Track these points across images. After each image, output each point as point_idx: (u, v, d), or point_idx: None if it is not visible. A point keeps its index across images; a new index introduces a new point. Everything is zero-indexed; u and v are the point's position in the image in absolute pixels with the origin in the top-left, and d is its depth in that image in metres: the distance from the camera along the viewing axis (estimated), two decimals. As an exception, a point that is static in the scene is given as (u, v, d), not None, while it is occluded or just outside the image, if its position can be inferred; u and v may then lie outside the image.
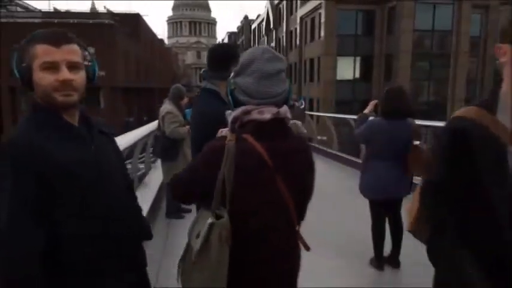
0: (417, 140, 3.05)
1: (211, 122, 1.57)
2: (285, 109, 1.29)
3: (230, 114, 1.30)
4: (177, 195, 1.42)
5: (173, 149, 4.14)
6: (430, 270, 3.44)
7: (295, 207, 1.31)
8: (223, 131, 1.36)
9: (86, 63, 1.17)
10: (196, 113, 2.07)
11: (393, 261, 3.30)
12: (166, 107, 4.26)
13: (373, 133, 3.15)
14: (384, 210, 3.29)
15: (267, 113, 1.23)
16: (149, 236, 1.37)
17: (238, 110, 1.27)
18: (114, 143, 1.34)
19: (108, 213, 1.12)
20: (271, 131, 1.25)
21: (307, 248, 1.41)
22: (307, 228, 4.49)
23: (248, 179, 1.21)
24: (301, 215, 1.40)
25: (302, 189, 1.38)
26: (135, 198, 1.38)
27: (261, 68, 1.25)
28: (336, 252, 3.70)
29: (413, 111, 3.14)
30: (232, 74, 1.32)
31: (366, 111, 3.39)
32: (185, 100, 4.74)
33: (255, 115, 1.24)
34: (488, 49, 25.91)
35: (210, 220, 1.18)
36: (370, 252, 3.37)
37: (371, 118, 3.27)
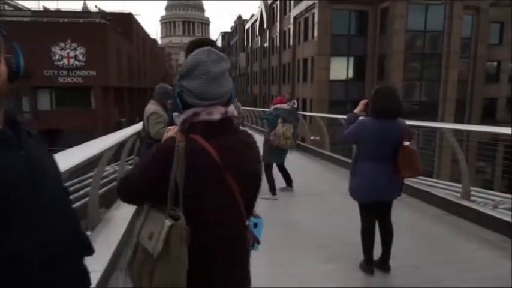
0: (408, 141, 2.98)
1: None
2: (232, 108, 1.35)
3: (179, 117, 1.33)
4: (125, 196, 1.42)
5: (159, 151, 4.01)
6: (419, 272, 3.41)
7: (245, 203, 1.35)
8: (171, 129, 1.40)
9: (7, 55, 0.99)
10: (171, 111, 2.01)
11: (383, 265, 3.23)
12: (151, 107, 4.14)
13: (361, 133, 3.07)
14: (373, 213, 3.21)
15: (216, 114, 1.29)
16: (90, 251, 1.24)
17: (188, 112, 1.30)
18: (46, 147, 1.17)
19: (44, 227, 0.98)
20: (220, 131, 1.30)
21: (258, 242, 1.47)
22: (300, 231, 4.46)
23: (199, 179, 1.24)
24: (250, 210, 1.44)
25: (252, 185, 1.42)
26: (73, 209, 1.25)
27: (208, 70, 1.29)
28: (329, 256, 3.64)
29: (404, 111, 3.06)
30: (177, 77, 1.34)
31: (356, 110, 3.31)
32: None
33: (204, 116, 1.28)
34: (479, 50, 26.15)
35: (168, 222, 1.19)
36: (362, 256, 3.30)
37: (361, 118, 3.20)
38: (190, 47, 1.84)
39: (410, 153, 2.92)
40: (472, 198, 5.60)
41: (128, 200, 1.48)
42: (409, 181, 5.63)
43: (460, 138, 9.11)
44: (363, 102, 3.27)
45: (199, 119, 1.28)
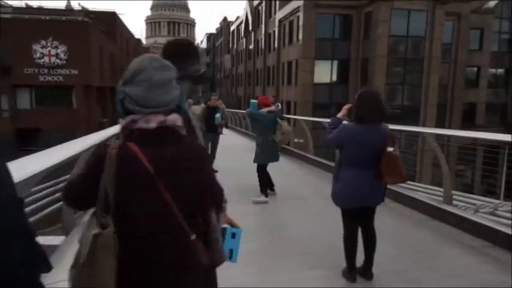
0: (391, 146, 2.94)
1: None
2: (173, 117, 1.32)
3: (120, 123, 1.33)
4: (68, 202, 1.47)
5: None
6: (402, 278, 3.36)
7: (185, 215, 1.29)
8: None
9: None
10: None
11: (366, 272, 3.18)
12: None
13: (345, 138, 3.01)
14: (356, 219, 3.16)
15: (153, 122, 1.27)
16: (47, 267, 1.12)
17: (127, 119, 1.30)
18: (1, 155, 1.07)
19: None
20: (157, 139, 1.28)
21: (213, 263, 1.44)
22: (282, 236, 4.38)
23: (129, 185, 1.22)
24: (195, 223, 1.36)
25: (193, 197, 1.36)
26: (28, 221, 1.14)
27: (149, 78, 1.28)
28: (311, 262, 3.58)
29: (387, 116, 3.03)
30: (120, 83, 1.33)
31: (339, 115, 3.26)
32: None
33: (141, 124, 1.27)
34: (460, 55, 26.73)
35: (94, 231, 1.19)
36: (344, 262, 3.24)
37: (344, 123, 3.15)
38: (167, 47, 1.76)
39: (394, 159, 2.88)
40: (454, 202, 5.65)
41: (70, 203, 1.49)
42: (391, 185, 5.63)
43: (441, 143, 9.22)
44: (346, 107, 3.22)
45: (136, 127, 1.27)
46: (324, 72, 26.26)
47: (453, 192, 6.28)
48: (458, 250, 3.88)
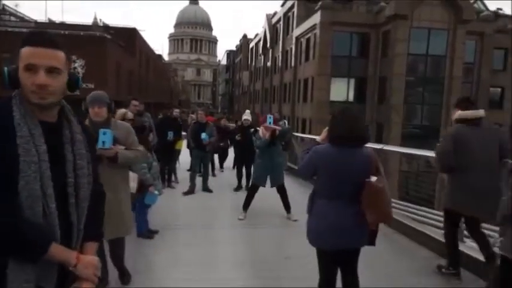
0: (375, 176, 2.36)
1: None
2: None
3: None
4: None
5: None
6: None
7: None
8: None
9: None
10: None
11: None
12: None
13: (316, 163, 2.45)
14: (334, 263, 2.56)
15: None
16: None
17: None
18: None
19: None
20: None
21: None
22: (276, 262, 3.69)
23: None
24: None
25: None
26: None
27: None
28: None
29: (366, 138, 2.45)
30: None
31: (319, 138, 2.71)
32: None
33: None
34: (483, 75, 25.72)
35: None
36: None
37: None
38: None
39: (377, 193, 2.29)
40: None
41: None
42: (396, 214, 4.97)
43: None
44: (326, 129, 2.64)
45: None
46: (340, 90, 25.69)
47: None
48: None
